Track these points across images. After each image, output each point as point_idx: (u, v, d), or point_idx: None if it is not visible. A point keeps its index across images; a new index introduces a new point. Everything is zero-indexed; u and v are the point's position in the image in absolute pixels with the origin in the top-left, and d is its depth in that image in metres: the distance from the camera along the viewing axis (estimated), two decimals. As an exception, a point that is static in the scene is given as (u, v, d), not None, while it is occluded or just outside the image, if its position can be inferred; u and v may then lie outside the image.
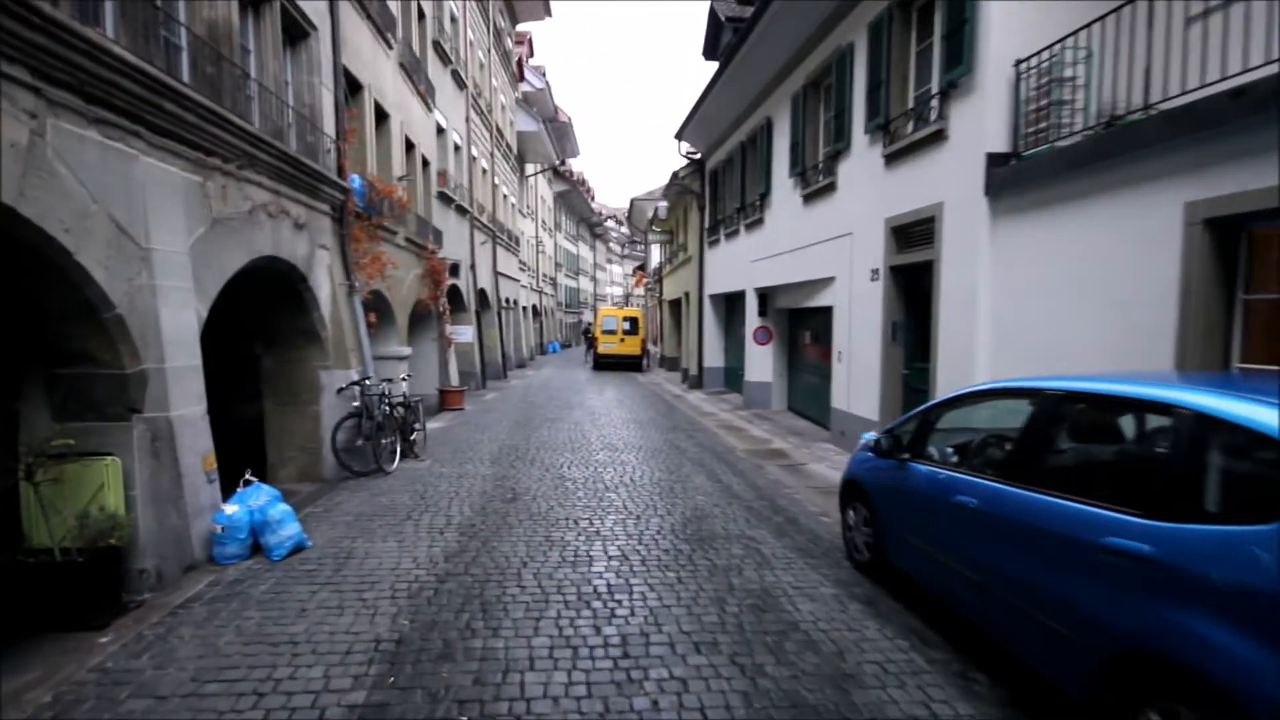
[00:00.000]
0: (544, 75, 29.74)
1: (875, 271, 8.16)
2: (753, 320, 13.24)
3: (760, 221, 12.63)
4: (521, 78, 27.87)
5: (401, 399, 7.97)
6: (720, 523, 5.71)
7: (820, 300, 10.26)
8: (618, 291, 75.55)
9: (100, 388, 3.99)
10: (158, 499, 4.16)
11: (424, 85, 11.98)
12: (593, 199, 53.04)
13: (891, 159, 7.73)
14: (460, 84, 15.58)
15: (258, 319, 6.85)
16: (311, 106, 6.95)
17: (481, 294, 18.06)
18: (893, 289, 7.87)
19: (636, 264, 62.55)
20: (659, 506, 6.22)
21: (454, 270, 13.73)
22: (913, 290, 7.73)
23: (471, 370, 16.31)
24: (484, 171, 18.88)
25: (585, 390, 17.24)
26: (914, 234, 7.37)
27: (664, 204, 17.76)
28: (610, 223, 68.80)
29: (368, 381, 7.37)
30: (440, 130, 14.05)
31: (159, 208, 4.22)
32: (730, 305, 16.64)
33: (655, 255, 30.12)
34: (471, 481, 7.06)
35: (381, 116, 9.83)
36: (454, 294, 15.09)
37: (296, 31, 6.75)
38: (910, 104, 7.59)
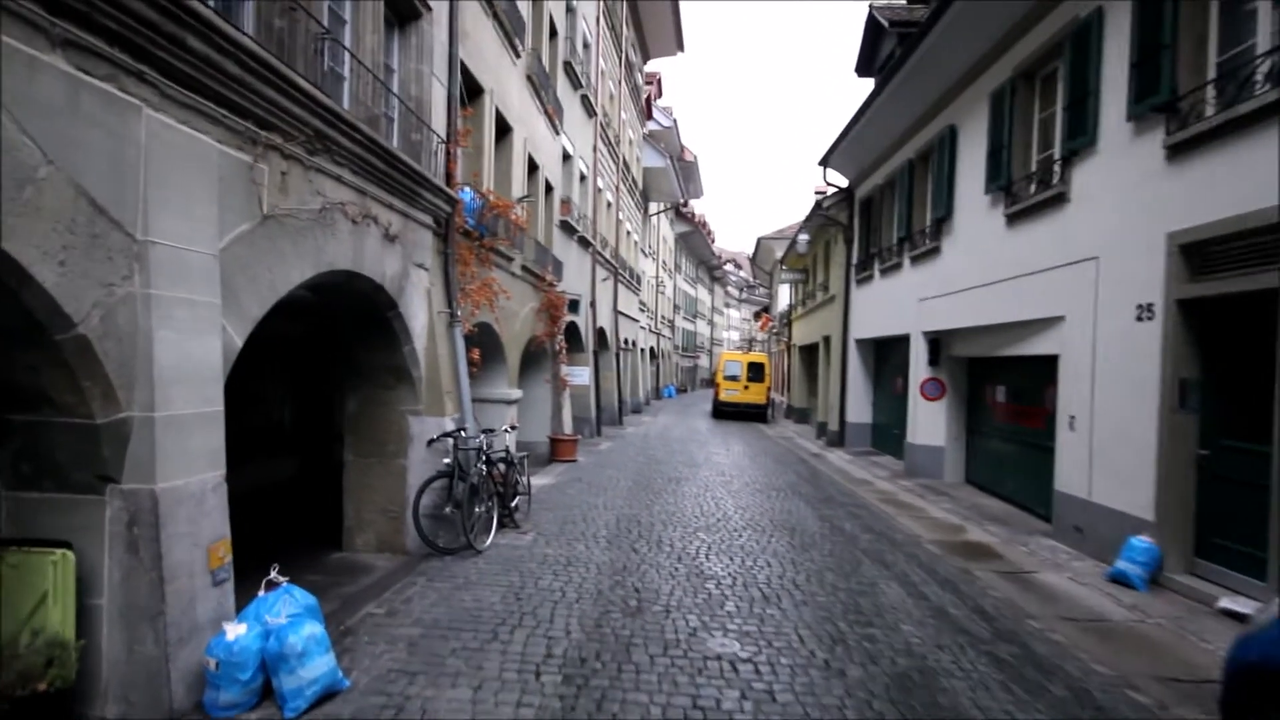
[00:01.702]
0: (671, 115, 29.10)
1: (1145, 308, 5.81)
2: (920, 370, 10.89)
3: (935, 252, 10.40)
4: (650, 116, 27.30)
5: (504, 454, 6.53)
6: (964, 693, 3.61)
7: (1031, 347, 7.88)
8: (735, 336, 73.61)
9: (59, 443, 2.71)
10: (129, 614, 2.79)
11: (552, 104, 11.01)
12: (713, 241, 51.88)
13: (1180, 150, 5.47)
14: (590, 111, 14.71)
15: (338, 350, 5.67)
16: (418, 99, 5.84)
17: (600, 333, 16.86)
18: (1180, 332, 5.49)
19: (756, 308, 60.47)
20: (850, 641, 4.21)
21: (573, 306, 12.52)
22: (1220, 334, 5.33)
23: (586, 416, 14.97)
24: (609, 205, 17.91)
25: (709, 443, 15.36)
26: (1230, 252, 5.03)
27: (804, 237, 15.86)
28: (729, 266, 67.44)
29: (464, 432, 5.98)
30: (566, 157, 13.11)
31: (173, 186, 2.97)
32: (882, 352, 14.27)
33: (783, 298, 28.04)
34: (584, 573, 5.37)
35: (503, 129, 8.79)
36: (571, 332, 13.90)
37: (405, 8, 5.68)
38: (1212, 71, 5.35)
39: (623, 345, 20.20)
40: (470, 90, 7.39)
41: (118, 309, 2.71)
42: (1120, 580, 5.59)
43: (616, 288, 18.50)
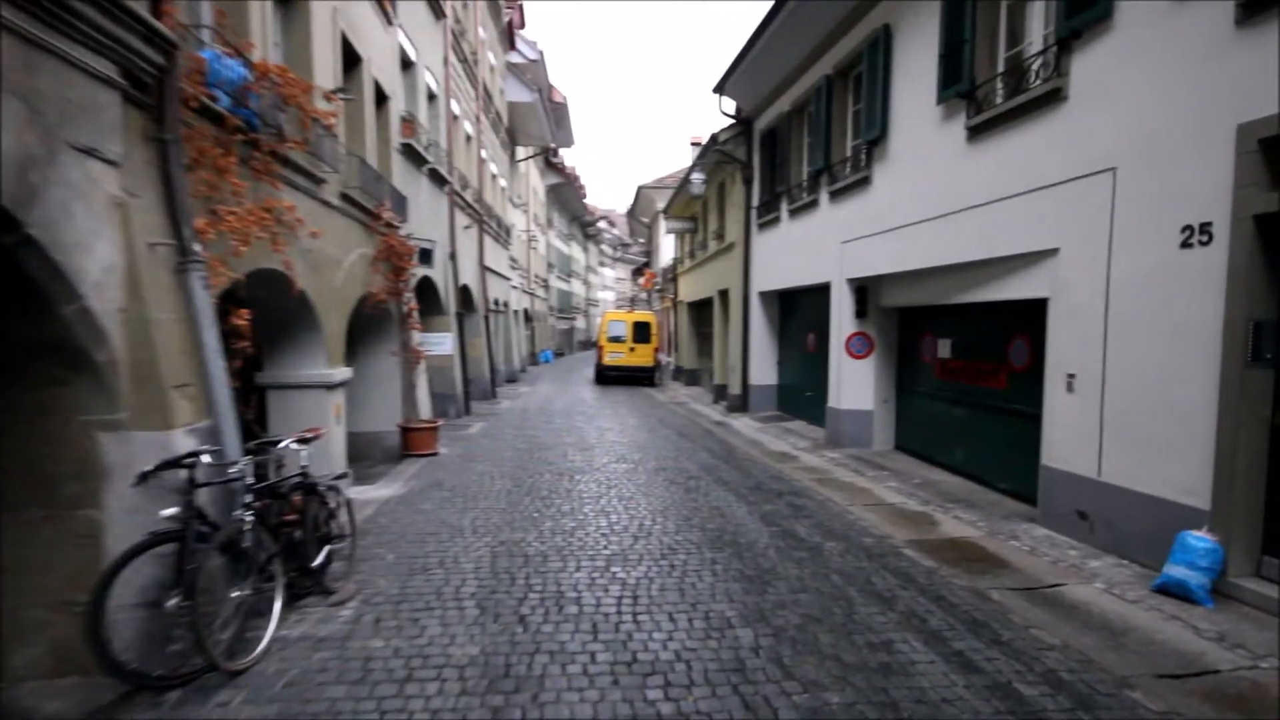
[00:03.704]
0: (537, 48, 25.94)
1: (1198, 230, 4.36)
2: (844, 325, 9.42)
3: (863, 183, 8.82)
4: (512, 46, 24.04)
5: (300, 480, 4.01)
6: None
7: (1001, 291, 6.46)
8: (610, 296, 71.97)
9: None
10: None
11: (378, -21, 8.09)
12: (585, 196, 49.24)
13: (1256, 6, 3.96)
14: (438, 11, 11.68)
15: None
16: None
17: (464, 292, 14.14)
18: (1255, 260, 4.07)
19: (633, 266, 58.77)
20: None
21: (424, 257, 9.81)
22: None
23: (451, 392, 12.35)
24: (468, 138, 14.97)
25: (598, 415, 13.31)
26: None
27: (698, 176, 13.97)
28: (603, 223, 65.13)
29: (205, 458, 3.38)
30: (408, 63, 10.16)
31: None
32: (789, 305, 12.84)
33: (667, 251, 26.33)
34: (437, 689, 3.14)
35: (295, -13, 5.92)
36: (426, 290, 11.16)
37: None
38: (1314, -109, 3.84)
39: (493, 306, 17.52)
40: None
41: None
42: (1174, 592, 4.23)
43: (482, 239, 15.72)
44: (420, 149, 10.10)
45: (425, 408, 9.63)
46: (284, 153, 4.96)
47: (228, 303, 4.27)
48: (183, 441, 3.46)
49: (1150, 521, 4.71)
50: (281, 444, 3.71)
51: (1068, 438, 5.48)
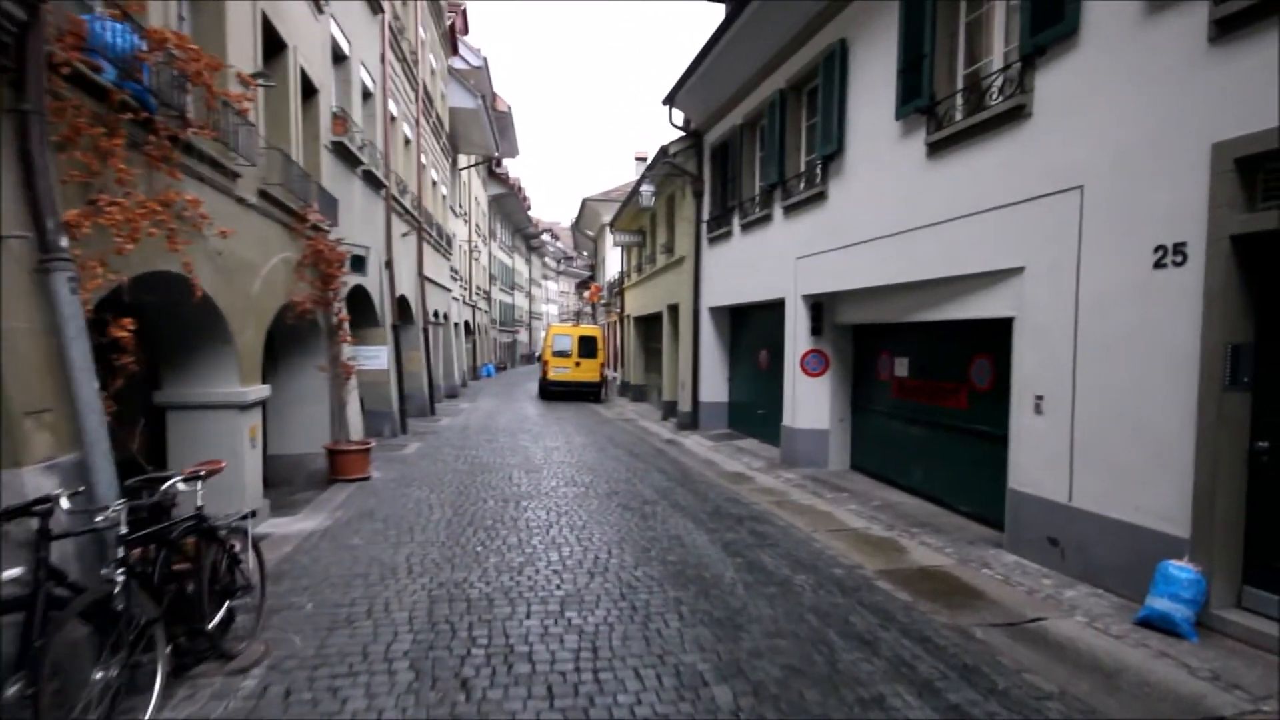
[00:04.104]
0: (481, 54, 25.30)
1: (1172, 250, 4.26)
2: (799, 341, 9.23)
3: (819, 198, 8.67)
4: (455, 51, 23.36)
5: (192, 524, 3.34)
6: None
7: (963, 309, 6.33)
8: (554, 310, 71.16)
9: None
10: None
11: (307, -38, 7.44)
12: (529, 208, 48.51)
13: (1231, 25, 3.89)
14: (375, 6, 11.01)
15: None
16: None
17: (402, 303, 13.35)
18: (1233, 282, 3.98)
19: (577, 280, 58.17)
20: None
21: (356, 263, 9.08)
22: (1294, 283, 3.90)
23: (386, 409, 11.54)
24: (406, 141, 14.24)
25: (544, 433, 12.72)
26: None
27: (648, 188, 13.67)
28: (546, 236, 64.38)
29: (64, 502, 2.72)
30: (340, 56, 9.46)
31: None
32: (740, 321, 12.63)
33: (612, 265, 25.99)
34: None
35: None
36: (359, 300, 10.39)
37: None
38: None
39: (432, 318, 16.70)
40: None
41: None
42: (1157, 625, 4.06)
43: (421, 246, 14.95)
44: (353, 148, 9.39)
45: (356, 428, 8.87)
46: (186, 139, 4.29)
47: (109, 312, 3.59)
48: (37, 481, 2.79)
49: (1125, 550, 4.56)
50: (169, 482, 3.06)
51: (1036, 461, 5.33)
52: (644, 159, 30.87)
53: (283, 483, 7.90)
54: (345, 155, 9.28)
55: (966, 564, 5.33)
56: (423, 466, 9.11)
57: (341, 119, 9.11)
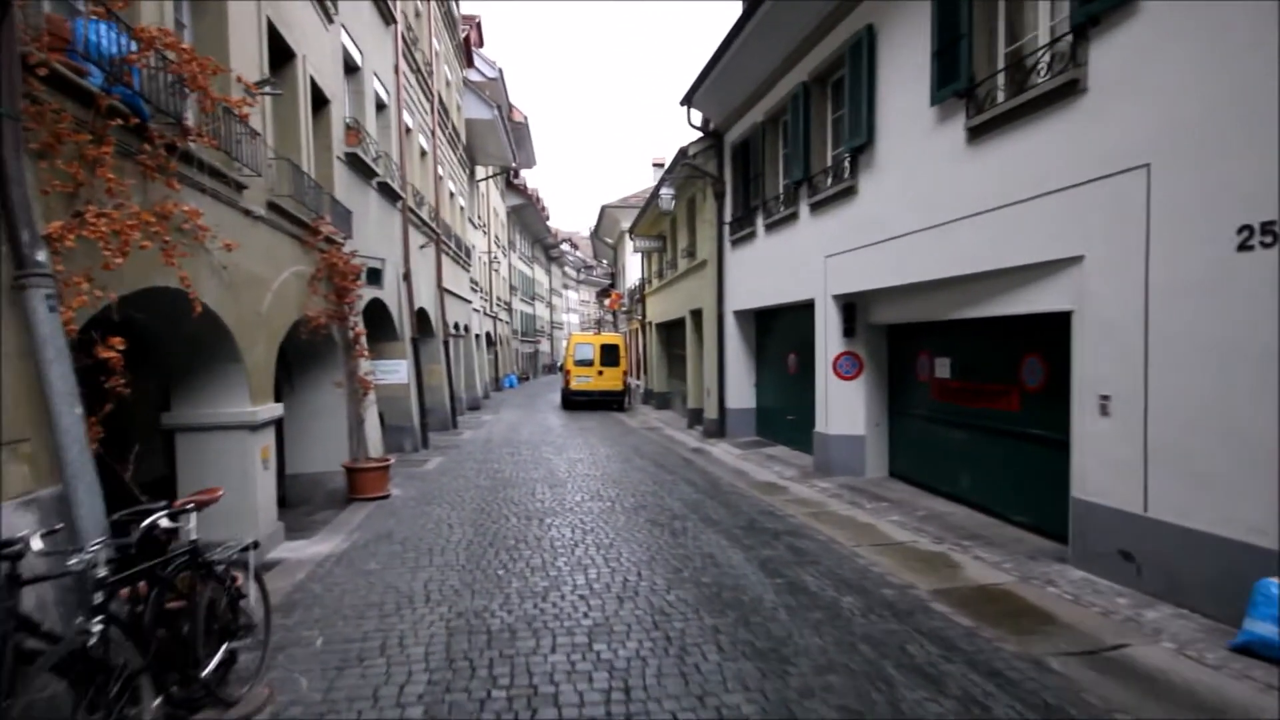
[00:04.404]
0: (496, 66, 25.29)
1: (1261, 229, 3.81)
2: (831, 344, 8.81)
3: (849, 193, 8.27)
4: (470, 63, 23.39)
5: (185, 559, 3.05)
6: None
7: (1012, 304, 5.89)
8: (575, 319, 71.19)
9: None
10: None
11: (316, -30, 7.29)
12: (547, 218, 48.54)
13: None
14: (386, 16, 10.90)
15: None
16: None
17: (421, 316, 13.19)
18: (1336, 263, 3.52)
19: (597, 289, 58.02)
20: None
21: (373, 276, 8.89)
22: None
23: (406, 424, 11.34)
24: (423, 153, 14.13)
25: (568, 445, 12.42)
26: None
27: (668, 191, 13.35)
28: (565, 245, 64.45)
29: (34, 543, 2.42)
30: (352, 67, 9.33)
31: None
32: (766, 324, 12.22)
33: (633, 272, 25.72)
34: None
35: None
36: (376, 314, 10.22)
37: None
38: None
39: (453, 331, 16.55)
40: None
41: None
42: (1259, 652, 3.59)
43: (440, 258, 14.80)
44: (368, 160, 9.23)
45: (375, 444, 8.65)
46: (185, 147, 4.07)
47: (104, 331, 3.35)
48: (11, 519, 2.53)
49: (1213, 565, 4.09)
50: (152, 517, 2.77)
51: (1104, 467, 4.87)
52: (661, 165, 30.64)
53: (301, 503, 7.69)
54: (359, 167, 9.11)
55: (1029, 581, 4.88)
56: (443, 483, 8.85)
57: (355, 130, 8.95)
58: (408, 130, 12.50)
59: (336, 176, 8.20)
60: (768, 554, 5.61)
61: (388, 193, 10.63)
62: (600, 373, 20.20)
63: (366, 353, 8.63)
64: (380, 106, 10.79)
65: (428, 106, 14.34)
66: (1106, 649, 3.80)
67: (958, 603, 4.50)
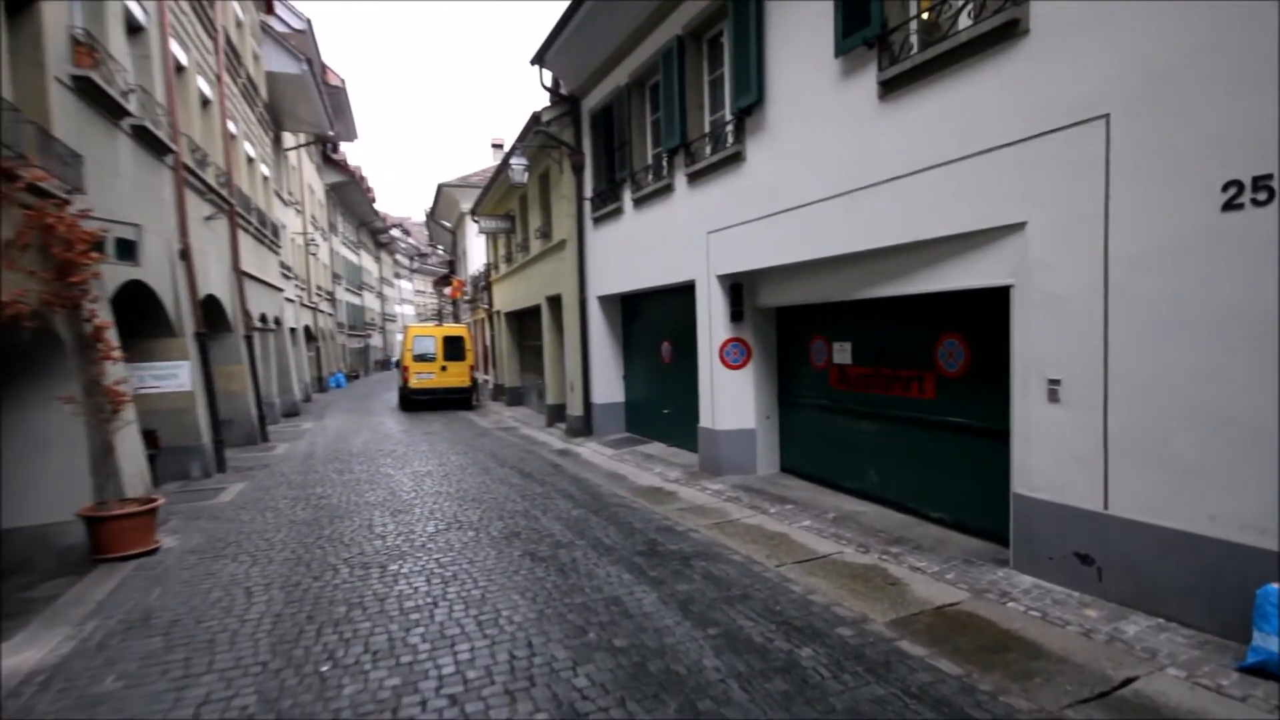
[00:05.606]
0: (305, 19, 21.78)
1: (1249, 186, 3.33)
2: (717, 329, 7.95)
3: (734, 160, 7.39)
4: (270, 9, 19.81)
5: None
6: None
7: (933, 281, 5.28)
8: (410, 310, 66.25)
9: None
10: None
11: None
12: (373, 201, 44.14)
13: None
14: (138, -91, 8.22)
15: None
16: None
17: (211, 305, 10.51)
18: (1344, 221, 3.08)
19: (433, 277, 53.89)
20: None
21: (123, 250, 6.51)
22: None
23: (193, 443, 8.83)
24: (205, 101, 11.28)
25: (411, 456, 10.53)
26: None
27: (520, 162, 11.75)
28: (396, 231, 59.44)
29: None
30: (82, -37, 6.76)
31: None
32: (635, 310, 11.19)
33: (476, 256, 23.61)
34: None
35: None
36: (140, 301, 7.69)
37: None
38: None
39: (259, 324, 13.70)
40: None
41: None
42: (1274, 672, 3.11)
43: (237, 235, 12.01)
44: (112, 92, 6.76)
45: (135, 478, 6.34)
46: None
47: None
48: None
49: (1192, 569, 3.64)
50: None
51: (1054, 460, 4.33)
52: (500, 145, 28.54)
53: (16, 570, 5.33)
54: (99, 99, 6.63)
55: (983, 596, 4.24)
56: (243, 521, 6.76)
57: (89, 47, 6.47)
58: (180, 68, 9.78)
59: (57, 105, 5.79)
60: (684, 590, 4.52)
61: (150, 141, 8.05)
62: (444, 368, 18.13)
63: (119, 354, 6.28)
64: (134, 29, 8.15)
65: (210, 45, 11.47)
66: (1116, 686, 3.15)
67: (926, 639, 3.70)
